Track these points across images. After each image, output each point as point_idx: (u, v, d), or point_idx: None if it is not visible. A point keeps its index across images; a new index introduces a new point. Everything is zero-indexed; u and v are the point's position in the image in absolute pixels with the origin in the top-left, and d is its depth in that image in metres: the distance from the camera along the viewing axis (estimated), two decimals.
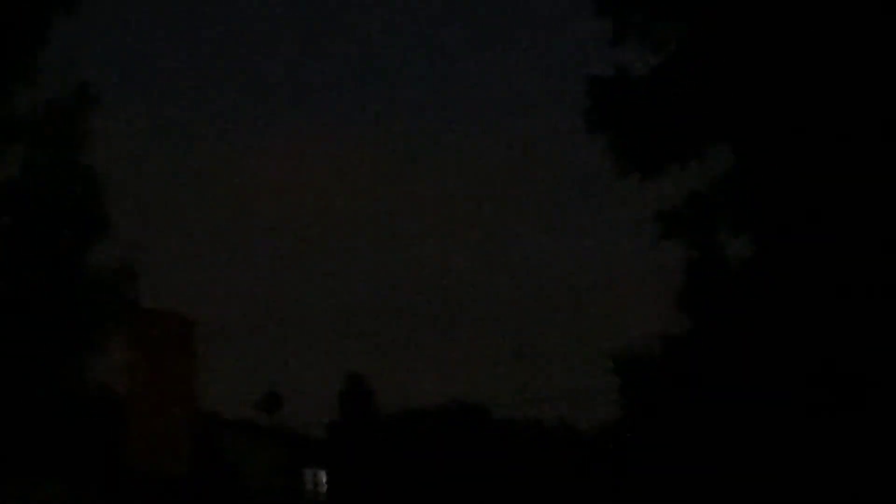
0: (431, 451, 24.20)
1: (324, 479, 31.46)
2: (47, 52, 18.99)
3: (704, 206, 17.50)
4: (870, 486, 16.02)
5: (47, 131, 19.31)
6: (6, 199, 19.03)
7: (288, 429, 26.96)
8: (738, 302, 16.90)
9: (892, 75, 16.46)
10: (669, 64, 17.51)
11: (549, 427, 22.68)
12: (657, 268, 17.67)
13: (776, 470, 16.17)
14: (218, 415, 30.69)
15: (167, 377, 30.63)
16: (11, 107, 19.19)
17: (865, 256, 16.92)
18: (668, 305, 17.26)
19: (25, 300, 19.12)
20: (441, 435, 23.87)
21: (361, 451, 25.61)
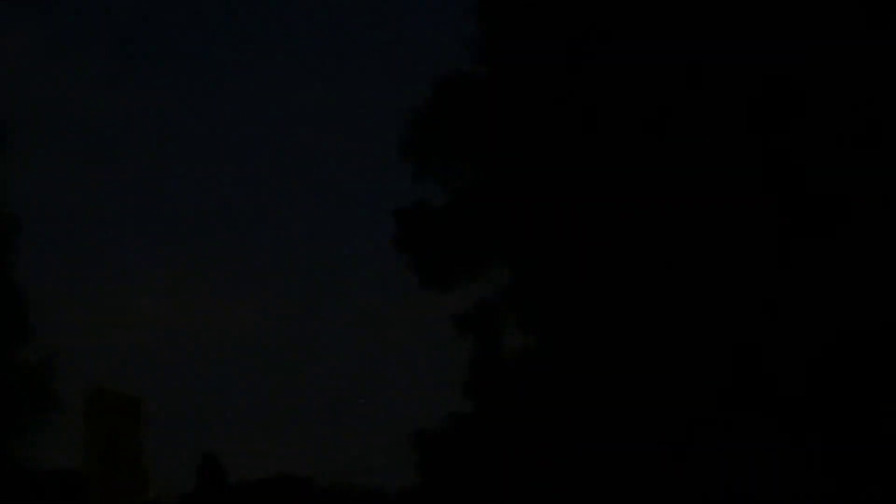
0: None
1: None
2: None
3: (490, 311, 21.71)
4: None
5: None
6: None
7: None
8: (511, 387, 21.08)
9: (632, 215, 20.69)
10: (461, 198, 21.82)
11: (362, 493, 26.50)
12: (453, 361, 21.87)
13: None
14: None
15: (121, 453, 34.79)
16: None
17: (623, 352, 21.07)
18: (458, 392, 21.46)
19: None
20: (270, 503, 28.30)
21: None
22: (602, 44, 20.09)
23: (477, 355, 21.47)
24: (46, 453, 27.58)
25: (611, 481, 20.63)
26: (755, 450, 18.48)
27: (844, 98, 18.60)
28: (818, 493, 18.19)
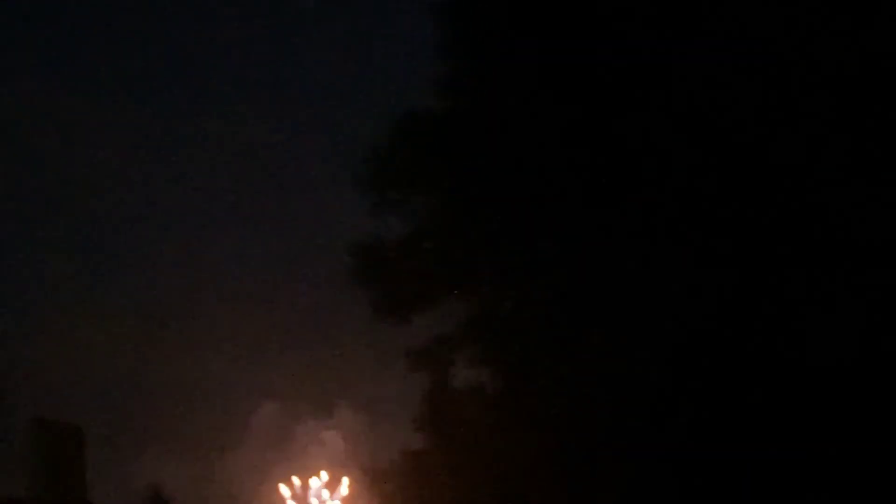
0: None
1: None
2: None
3: (445, 345, 21.69)
4: None
5: None
6: None
7: None
8: (463, 423, 21.06)
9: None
10: (418, 231, 21.82)
11: None
12: (407, 395, 21.83)
13: None
14: None
15: (64, 483, 34.50)
16: None
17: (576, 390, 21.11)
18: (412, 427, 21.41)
19: None
20: None
21: None
22: (564, 84, 20.23)
23: (430, 389, 21.43)
24: None
25: None
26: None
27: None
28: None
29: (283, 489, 49.95)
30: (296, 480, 50.01)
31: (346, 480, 48.39)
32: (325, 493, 49.45)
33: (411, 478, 21.15)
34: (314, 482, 49.74)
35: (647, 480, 18.76)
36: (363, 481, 21.08)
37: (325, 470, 49.97)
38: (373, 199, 21.73)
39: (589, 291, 20.94)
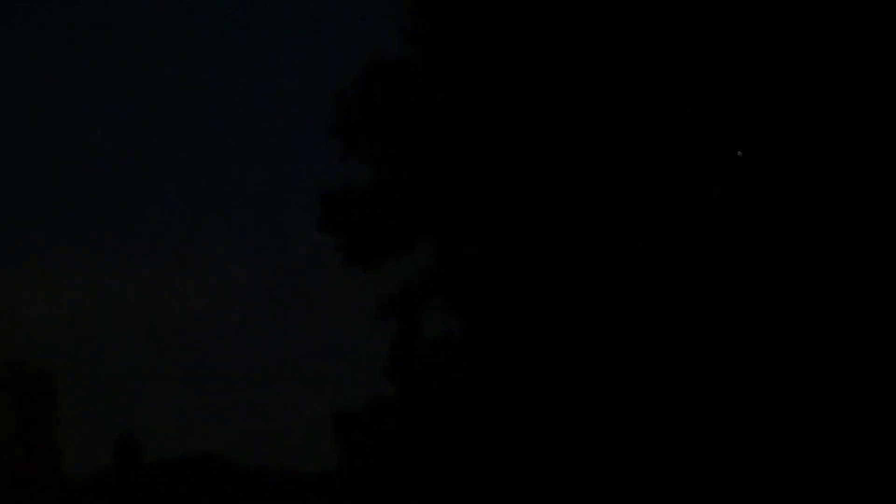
0: (179, 496, 28.52)
1: None
2: None
3: (413, 293, 21.71)
4: None
5: None
6: None
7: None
8: (430, 371, 21.13)
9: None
10: (386, 178, 21.77)
11: (280, 472, 26.58)
12: (375, 343, 21.89)
13: None
14: None
15: (35, 426, 34.47)
16: None
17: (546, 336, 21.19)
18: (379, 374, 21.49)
19: None
20: (187, 481, 28.09)
21: (124, 495, 30.01)
22: (529, 27, 20.14)
23: (398, 338, 21.47)
24: None
25: (527, 466, 20.76)
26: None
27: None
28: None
29: None
30: None
31: None
32: None
33: (378, 423, 21.26)
34: None
35: (607, 432, 18.92)
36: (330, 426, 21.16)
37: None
38: (341, 147, 21.67)
39: (556, 241, 20.99)
